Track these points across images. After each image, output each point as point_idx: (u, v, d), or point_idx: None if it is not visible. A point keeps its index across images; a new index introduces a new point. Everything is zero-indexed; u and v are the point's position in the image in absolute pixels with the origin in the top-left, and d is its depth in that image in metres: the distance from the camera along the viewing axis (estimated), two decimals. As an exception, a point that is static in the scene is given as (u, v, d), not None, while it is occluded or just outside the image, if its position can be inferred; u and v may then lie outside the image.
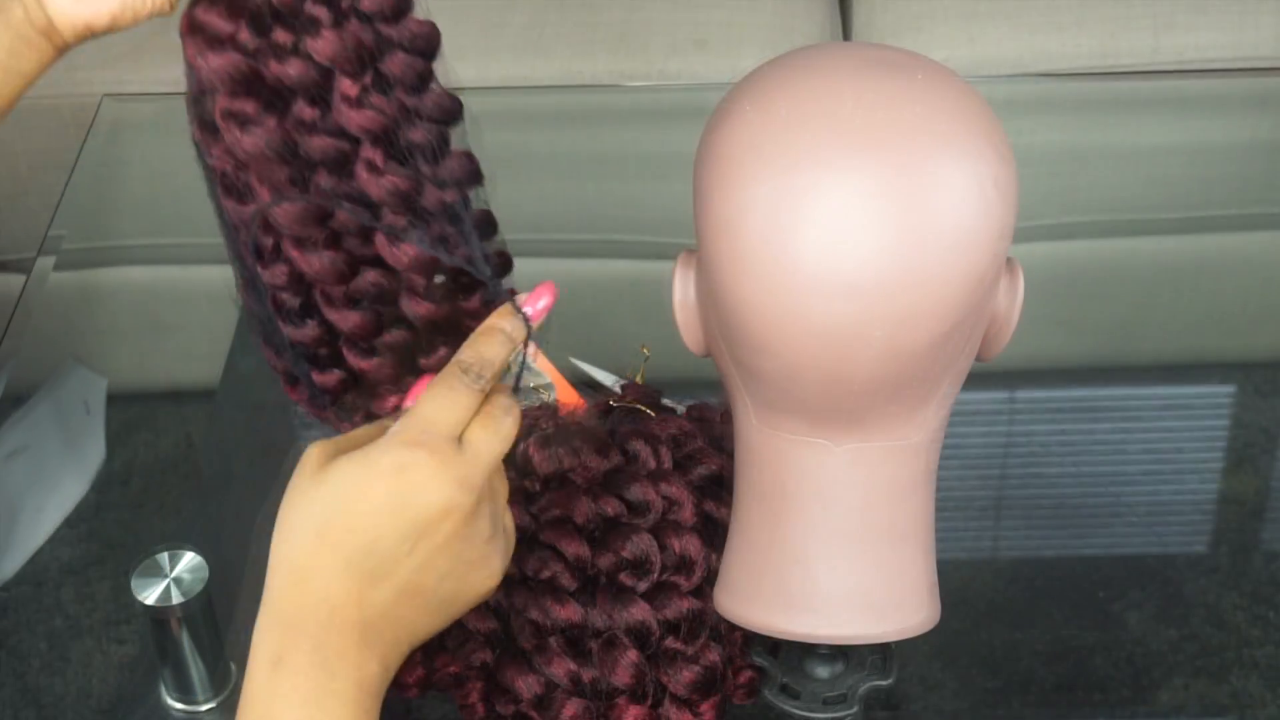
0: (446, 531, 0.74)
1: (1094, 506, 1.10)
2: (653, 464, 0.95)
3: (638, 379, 1.08)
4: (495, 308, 0.81)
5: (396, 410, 0.84)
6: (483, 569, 0.77)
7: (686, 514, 0.93)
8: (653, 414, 1.01)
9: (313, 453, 0.74)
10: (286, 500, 0.74)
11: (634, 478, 0.93)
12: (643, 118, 1.64)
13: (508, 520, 0.80)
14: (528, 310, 0.80)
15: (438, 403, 0.74)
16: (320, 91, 0.81)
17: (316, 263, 0.84)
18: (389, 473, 0.72)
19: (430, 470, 0.72)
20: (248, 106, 0.81)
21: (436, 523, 0.73)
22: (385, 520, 0.72)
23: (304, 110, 0.82)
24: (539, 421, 0.98)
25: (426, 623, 0.76)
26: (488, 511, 0.76)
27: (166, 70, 1.75)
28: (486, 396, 0.77)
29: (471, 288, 0.87)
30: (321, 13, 0.81)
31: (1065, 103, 1.62)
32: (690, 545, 0.92)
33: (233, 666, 0.98)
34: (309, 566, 0.72)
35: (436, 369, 0.78)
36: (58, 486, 1.14)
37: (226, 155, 0.83)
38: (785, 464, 0.84)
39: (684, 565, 0.92)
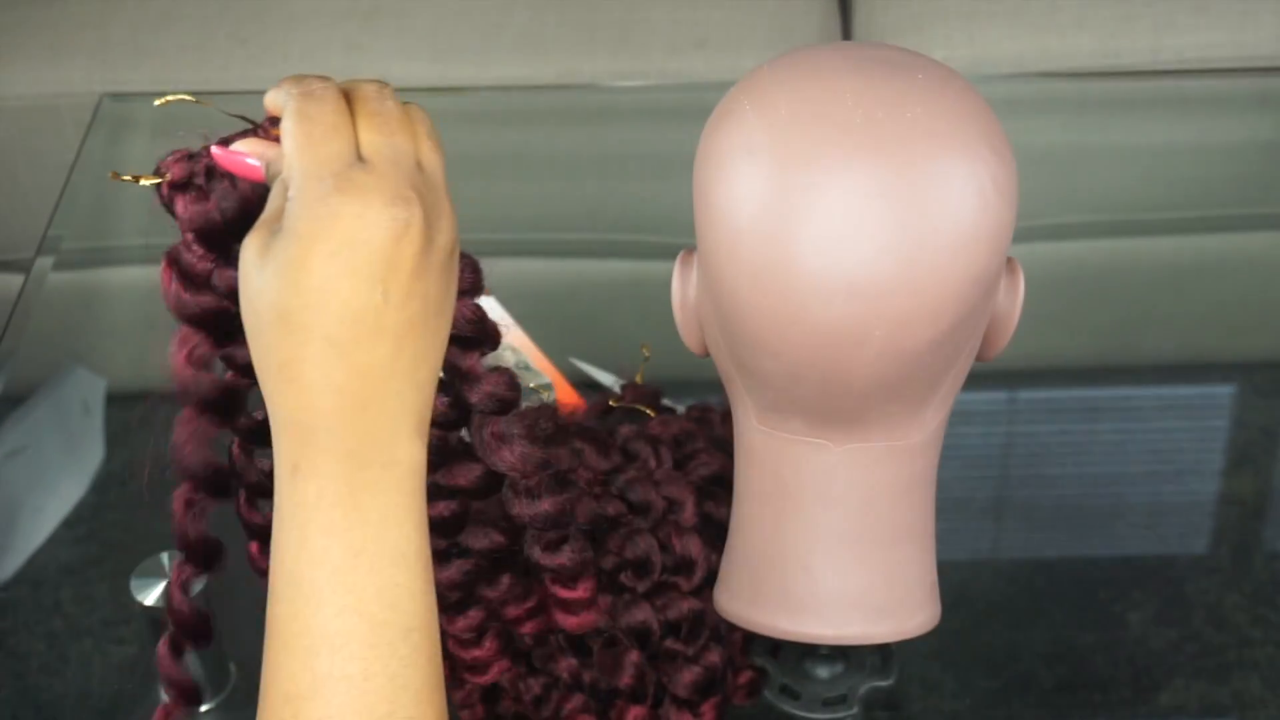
0: (409, 254, 0.65)
1: (1094, 507, 1.10)
2: (653, 464, 0.95)
3: (638, 379, 1.08)
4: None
5: None
6: (441, 263, 0.68)
7: (687, 514, 0.93)
8: (653, 414, 1.01)
9: (251, 243, 0.66)
10: (243, 296, 0.66)
11: (635, 478, 0.93)
12: (643, 118, 1.64)
13: (430, 158, 0.69)
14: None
15: (308, 135, 0.65)
16: None
17: None
18: (318, 235, 0.63)
19: (356, 208, 0.64)
20: None
21: (394, 253, 0.64)
22: (342, 282, 0.64)
23: None
24: (539, 421, 0.98)
25: (423, 363, 0.67)
26: (427, 216, 0.66)
27: (166, 70, 1.75)
28: (346, 97, 0.68)
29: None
30: None
31: (1065, 103, 1.62)
32: (691, 546, 0.92)
33: (232, 667, 0.98)
34: (293, 359, 0.64)
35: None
36: (57, 486, 1.14)
37: None
38: (785, 464, 0.84)
39: (685, 566, 0.92)
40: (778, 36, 1.82)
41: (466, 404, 0.76)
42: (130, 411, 1.22)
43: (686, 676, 0.91)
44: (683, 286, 0.85)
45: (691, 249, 0.84)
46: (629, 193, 1.46)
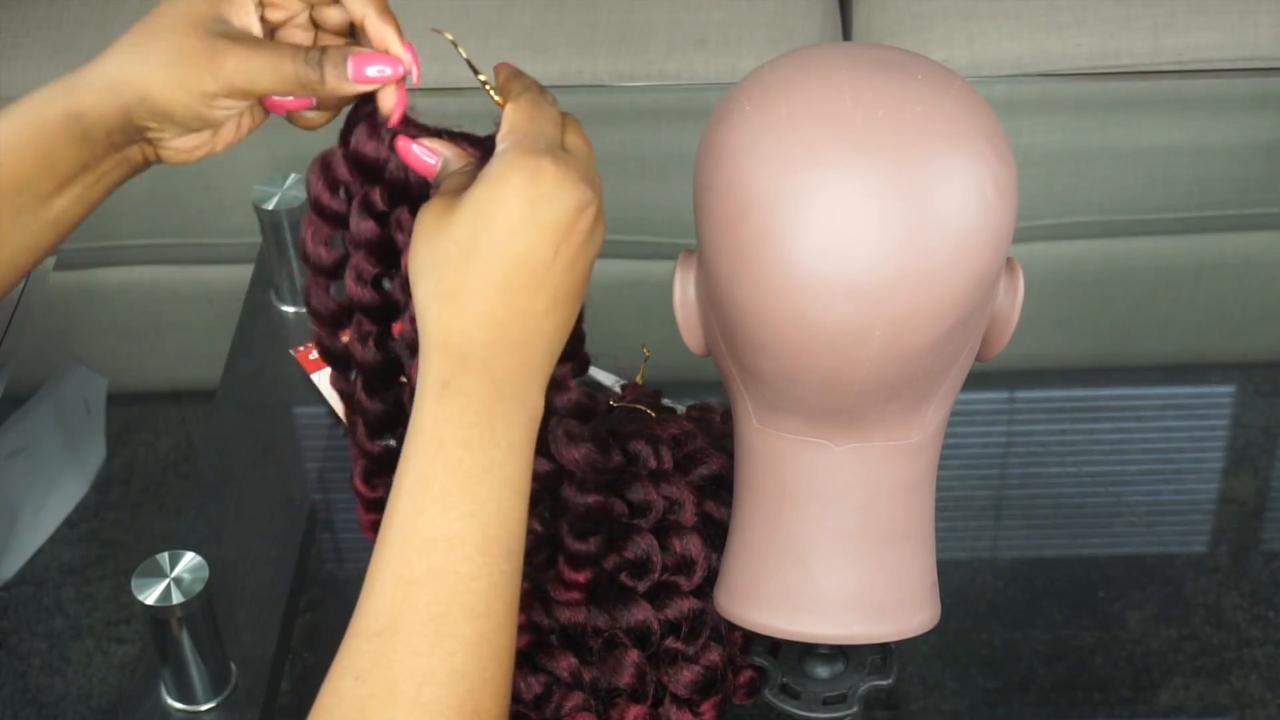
0: (582, 229, 0.75)
1: (1094, 507, 1.10)
2: (654, 464, 0.95)
3: (638, 379, 1.08)
4: None
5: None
6: (595, 254, 0.78)
7: (687, 514, 0.93)
8: (653, 414, 1.01)
9: (432, 205, 0.75)
10: (418, 243, 0.74)
11: (635, 478, 0.93)
12: (643, 118, 1.64)
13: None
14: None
15: (536, 116, 0.76)
16: None
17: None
18: (524, 184, 0.73)
19: (558, 173, 0.73)
20: None
21: (574, 223, 0.74)
22: (530, 230, 0.73)
23: None
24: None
25: (563, 329, 0.76)
26: (601, 205, 0.77)
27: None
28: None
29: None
30: None
31: (1065, 103, 1.62)
32: (691, 545, 0.92)
33: (233, 667, 0.98)
34: (466, 290, 0.73)
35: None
36: (58, 486, 1.14)
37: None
38: (785, 464, 0.84)
39: (685, 565, 0.92)
40: (778, 36, 1.82)
41: (552, 406, 0.82)
42: (130, 411, 1.22)
43: (686, 676, 0.91)
44: (683, 286, 0.85)
45: (691, 249, 0.84)
46: (629, 193, 1.46)
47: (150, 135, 0.79)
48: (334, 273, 0.86)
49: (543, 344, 0.75)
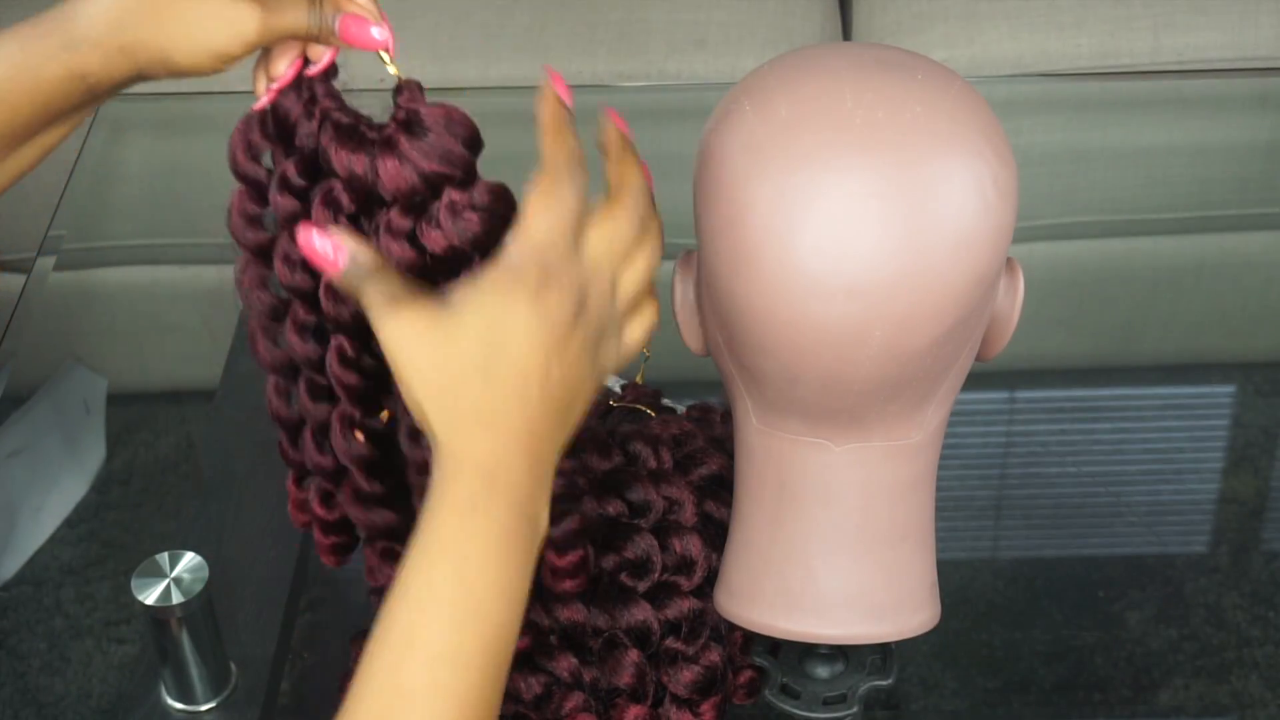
0: (582, 334, 0.72)
1: (1094, 506, 1.10)
2: (653, 464, 0.95)
3: (638, 379, 1.08)
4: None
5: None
6: (607, 347, 0.75)
7: (687, 514, 0.93)
8: (653, 414, 1.01)
9: (409, 316, 0.71)
10: (416, 359, 0.71)
11: (635, 478, 0.93)
12: (643, 118, 1.63)
13: (628, 279, 0.75)
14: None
15: (557, 208, 0.71)
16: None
17: None
18: (530, 297, 0.70)
19: (563, 283, 0.71)
20: None
21: (573, 327, 0.72)
22: (539, 341, 0.70)
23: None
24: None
25: (567, 433, 0.74)
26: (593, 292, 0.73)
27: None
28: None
29: None
30: None
31: (1065, 103, 1.62)
32: (691, 545, 0.92)
33: (233, 666, 0.98)
34: (489, 409, 0.71)
35: None
36: (58, 486, 1.14)
37: None
38: (785, 464, 0.84)
39: (685, 565, 0.92)
40: (778, 36, 1.82)
41: None
42: (130, 411, 1.22)
43: (686, 676, 0.91)
44: (683, 286, 0.85)
45: (691, 249, 0.84)
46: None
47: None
48: (265, 254, 0.82)
49: (551, 459, 0.73)
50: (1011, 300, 0.83)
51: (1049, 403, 1.22)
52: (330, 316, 0.79)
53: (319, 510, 0.86)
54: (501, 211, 0.75)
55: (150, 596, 0.92)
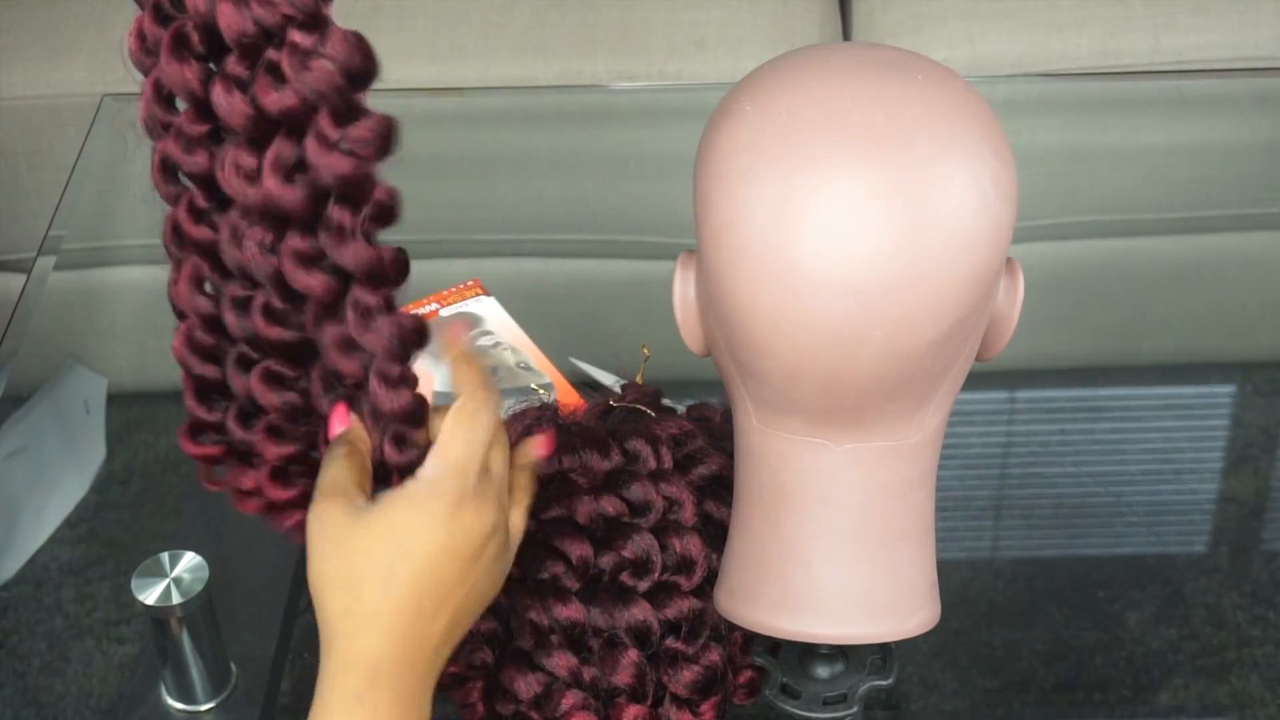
0: (490, 553, 0.78)
1: (1094, 506, 1.10)
2: (653, 464, 0.95)
3: (638, 379, 1.08)
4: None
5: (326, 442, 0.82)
6: (502, 573, 0.81)
7: (687, 514, 0.93)
8: (653, 414, 1.01)
9: (331, 510, 0.76)
10: (325, 550, 0.76)
11: (635, 478, 0.93)
12: (643, 118, 1.64)
13: (515, 519, 0.83)
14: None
15: (469, 439, 0.77)
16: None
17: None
18: (445, 515, 0.76)
19: (477, 506, 0.77)
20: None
21: (483, 548, 0.78)
22: (444, 559, 0.76)
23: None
24: (539, 421, 0.98)
25: (458, 639, 0.80)
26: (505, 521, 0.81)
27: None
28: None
29: None
30: None
31: (1065, 103, 1.62)
32: (691, 545, 0.92)
33: (233, 667, 0.98)
34: (385, 612, 0.75)
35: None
36: (58, 486, 1.14)
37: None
38: (785, 464, 0.84)
39: (685, 565, 0.92)
40: (778, 36, 1.82)
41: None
42: (130, 411, 1.22)
43: (686, 676, 0.91)
44: (683, 286, 0.85)
45: (691, 249, 0.84)
46: (629, 193, 1.46)
47: None
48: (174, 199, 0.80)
49: (439, 661, 0.78)
50: (1011, 300, 0.83)
51: (1049, 403, 1.22)
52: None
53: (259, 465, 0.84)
54: (385, 134, 0.70)
55: (150, 596, 0.92)
